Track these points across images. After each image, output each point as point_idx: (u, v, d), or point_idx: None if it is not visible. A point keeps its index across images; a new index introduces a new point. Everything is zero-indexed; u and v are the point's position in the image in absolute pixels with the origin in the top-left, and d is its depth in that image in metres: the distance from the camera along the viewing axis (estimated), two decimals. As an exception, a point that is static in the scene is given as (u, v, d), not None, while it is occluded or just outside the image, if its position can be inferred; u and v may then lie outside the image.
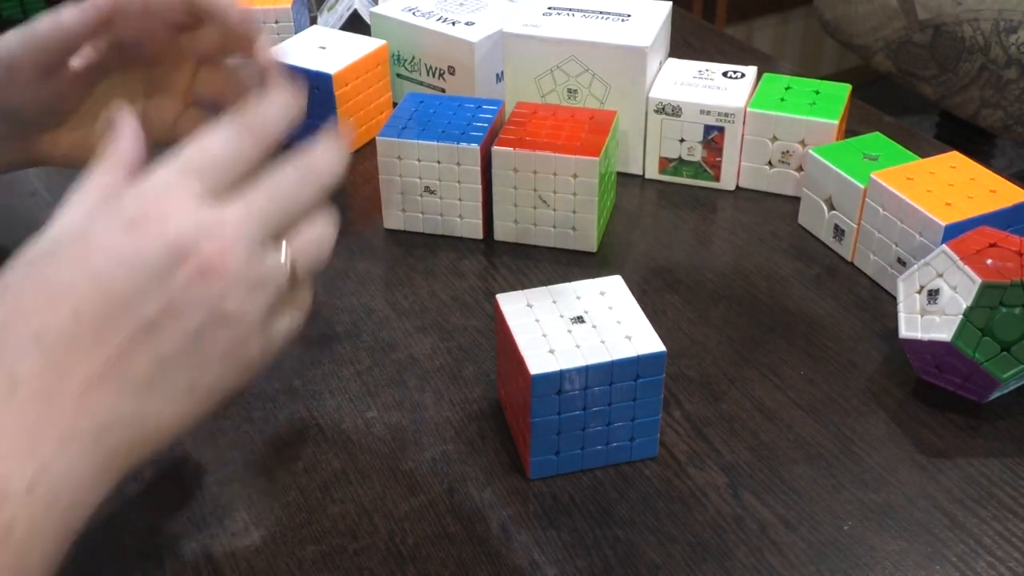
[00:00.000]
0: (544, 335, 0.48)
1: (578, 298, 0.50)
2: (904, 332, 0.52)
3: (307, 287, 0.44)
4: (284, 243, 0.42)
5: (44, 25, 0.53)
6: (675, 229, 0.68)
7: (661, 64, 0.73)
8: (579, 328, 0.48)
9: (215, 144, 0.41)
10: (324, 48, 0.74)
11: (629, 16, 0.71)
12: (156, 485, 0.48)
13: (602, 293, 0.50)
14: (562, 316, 0.49)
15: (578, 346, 0.47)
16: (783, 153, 0.69)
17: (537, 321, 0.49)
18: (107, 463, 0.38)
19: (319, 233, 0.43)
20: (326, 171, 0.44)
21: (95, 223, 0.40)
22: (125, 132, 0.44)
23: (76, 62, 0.56)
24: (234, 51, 0.57)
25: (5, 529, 0.35)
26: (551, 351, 0.47)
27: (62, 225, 0.41)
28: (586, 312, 0.49)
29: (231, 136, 0.42)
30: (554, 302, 0.50)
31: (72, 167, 0.54)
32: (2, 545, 0.35)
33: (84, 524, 0.38)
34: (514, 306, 0.50)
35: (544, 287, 0.51)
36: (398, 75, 0.79)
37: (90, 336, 0.37)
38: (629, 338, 0.47)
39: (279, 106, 0.44)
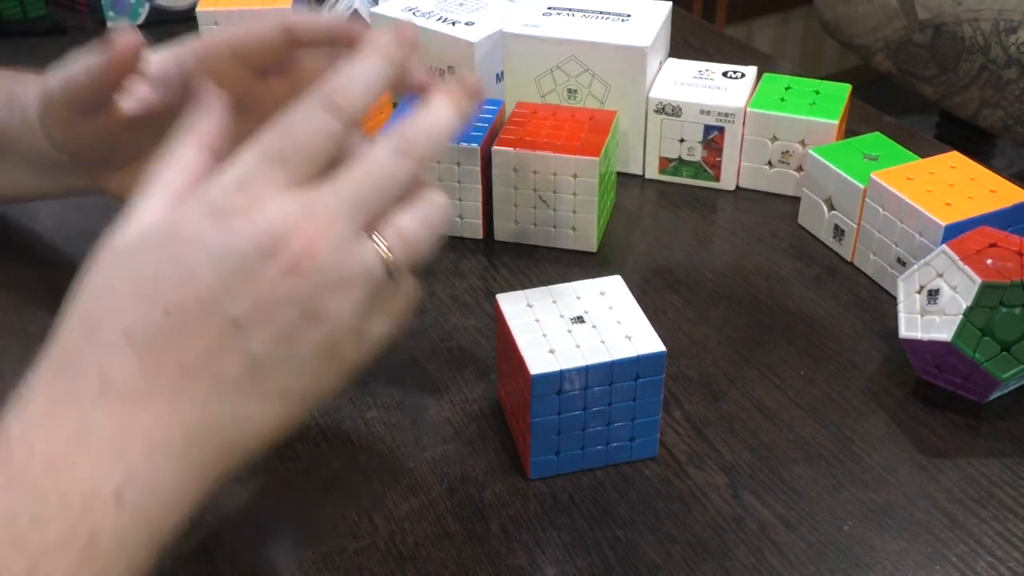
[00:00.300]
0: (544, 335, 0.48)
1: (578, 298, 0.50)
2: (904, 332, 0.52)
3: (410, 281, 0.40)
4: (381, 233, 0.38)
5: (76, 67, 0.49)
6: (675, 229, 0.68)
7: (661, 64, 0.73)
8: (579, 328, 0.48)
9: (299, 127, 0.38)
10: (324, 48, 0.74)
11: (629, 16, 0.71)
12: None
13: (602, 293, 0.50)
14: (562, 316, 0.49)
15: (578, 346, 0.47)
16: (783, 153, 0.69)
17: (537, 321, 0.49)
18: (197, 472, 0.37)
19: (423, 217, 0.40)
20: (429, 140, 0.40)
21: (181, 214, 0.38)
22: (210, 107, 0.42)
23: (129, 104, 0.51)
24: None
25: (90, 537, 0.34)
26: (551, 351, 0.47)
27: (147, 214, 0.38)
28: (586, 312, 0.49)
29: (312, 115, 0.38)
30: (554, 302, 0.50)
31: None
32: (87, 554, 0.34)
33: (173, 537, 0.36)
34: (514, 306, 0.50)
35: (544, 287, 0.51)
36: (398, 75, 0.79)
37: (179, 335, 0.36)
38: (629, 338, 0.47)
39: (361, 73, 0.40)
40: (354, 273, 0.37)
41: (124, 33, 0.45)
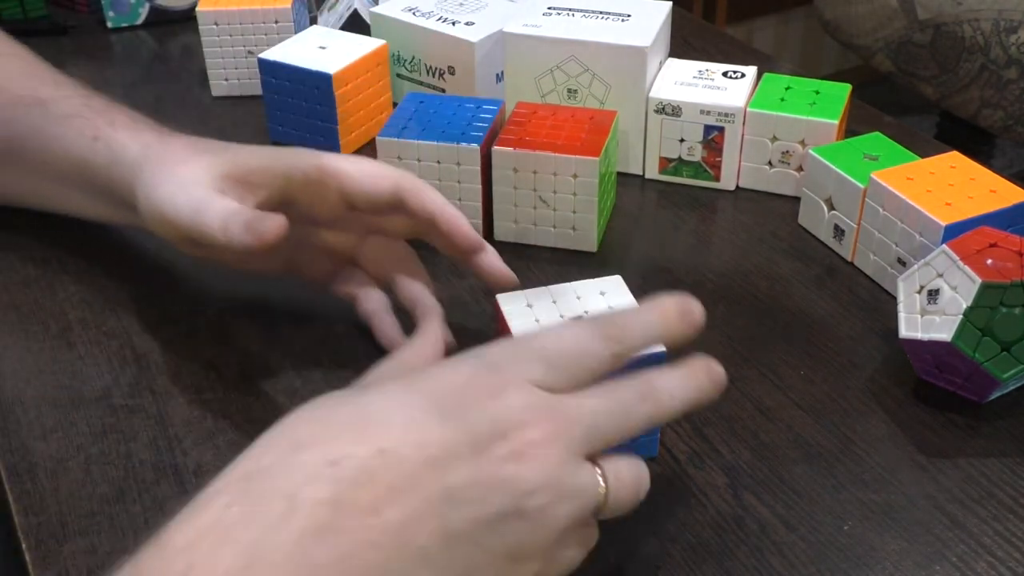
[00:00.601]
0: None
1: (578, 298, 0.50)
2: (904, 332, 0.52)
3: (595, 524, 0.40)
4: (601, 466, 0.38)
5: (212, 223, 0.49)
6: (675, 229, 0.68)
7: (661, 64, 0.73)
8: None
9: (570, 339, 0.39)
10: (324, 48, 0.74)
11: (629, 16, 0.71)
12: (156, 485, 0.48)
13: (602, 293, 0.50)
14: (562, 316, 0.49)
15: None
16: (783, 153, 0.69)
17: (537, 321, 0.49)
18: None
19: (638, 472, 0.40)
20: (670, 401, 0.40)
21: (425, 373, 0.38)
22: (427, 334, 0.47)
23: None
24: (429, 241, 0.54)
25: None
26: None
27: (382, 372, 0.42)
28: (586, 312, 0.49)
29: (588, 338, 0.39)
30: (554, 302, 0.50)
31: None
32: None
33: None
34: (514, 306, 0.50)
35: (544, 287, 0.51)
36: (398, 75, 0.79)
37: (386, 482, 0.34)
38: None
39: (642, 321, 0.41)
40: (573, 487, 0.37)
41: (275, 222, 0.47)
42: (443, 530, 0.35)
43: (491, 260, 0.53)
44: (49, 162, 0.59)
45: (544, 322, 0.49)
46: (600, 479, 0.38)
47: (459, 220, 0.51)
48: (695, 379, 0.42)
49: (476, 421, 0.36)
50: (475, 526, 0.35)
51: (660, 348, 0.47)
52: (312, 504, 0.33)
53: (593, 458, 0.38)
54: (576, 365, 0.39)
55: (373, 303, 0.56)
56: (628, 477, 0.39)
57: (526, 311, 0.49)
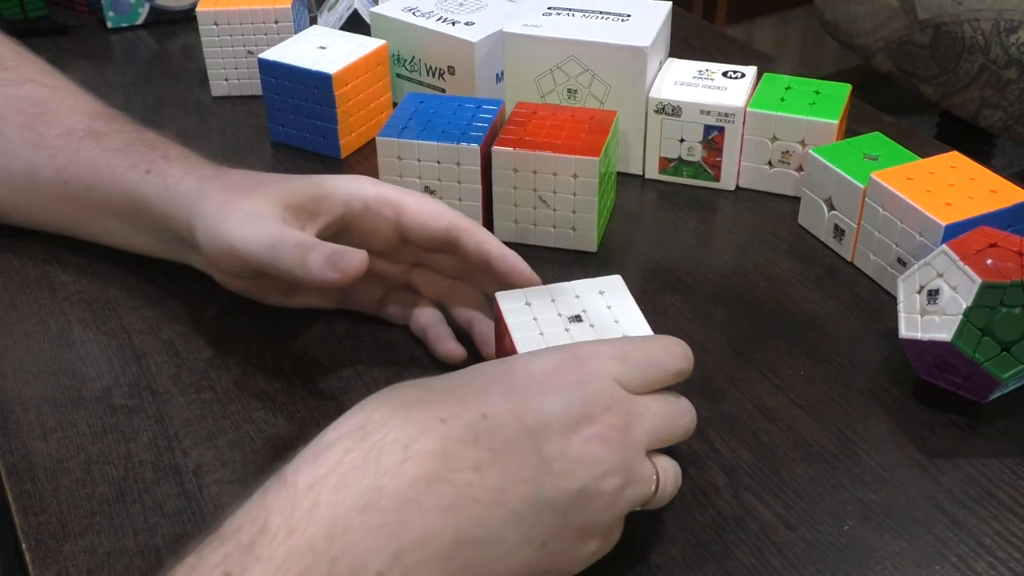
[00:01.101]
0: (541, 334, 0.48)
1: (577, 297, 0.50)
2: (904, 332, 0.52)
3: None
4: (654, 462, 0.42)
5: (287, 256, 0.50)
6: (675, 229, 0.68)
7: (661, 64, 0.73)
8: (576, 327, 0.48)
9: (647, 348, 0.43)
10: (324, 48, 0.74)
11: (629, 16, 0.71)
12: (156, 485, 0.49)
13: (601, 292, 0.50)
14: (560, 315, 0.49)
15: None
16: (783, 153, 0.69)
17: (535, 319, 0.49)
18: (430, 563, 0.36)
19: (677, 471, 0.44)
20: (695, 419, 0.45)
21: (518, 358, 0.42)
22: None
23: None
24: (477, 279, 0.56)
25: None
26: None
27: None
28: (584, 311, 0.49)
29: (661, 352, 0.43)
30: (553, 300, 0.50)
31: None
32: None
33: None
34: (513, 304, 0.50)
35: (544, 286, 0.51)
36: (398, 75, 0.79)
37: (488, 443, 0.38)
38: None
39: (688, 351, 0.45)
40: (639, 475, 0.41)
41: (357, 257, 0.48)
42: (534, 496, 0.38)
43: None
44: (101, 194, 0.59)
45: (541, 320, 0.49)
46: (655, 472, 0.42)
47: (516, 260, 0.52)
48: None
49: (569, 401, 0.40)
50: (561, 495, 0.39)
51: None
52: (424, 454, 0.37)
53: (648, 455, 0.42)
54: (649, 372, 0.43)
55: (427, 316, 0.57)
56: (672, 474, 0.43)
57: (524, 309, 0.49)
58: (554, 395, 0.40)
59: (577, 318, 0.49)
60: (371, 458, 0.36)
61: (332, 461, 0.36)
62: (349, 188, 0.53)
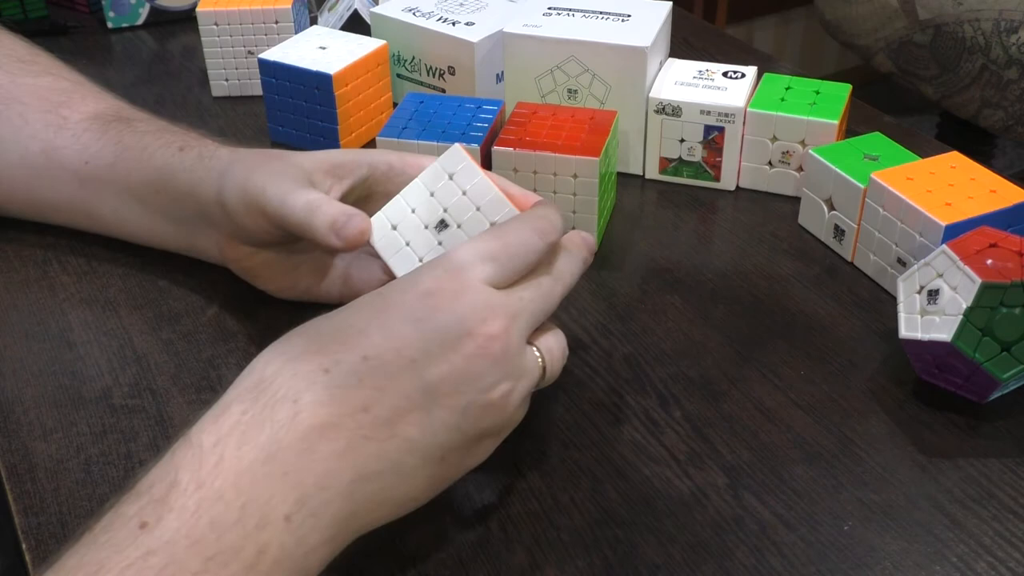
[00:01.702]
0: (421, 259, 0.49)
1: (432, 195, 0.49)
2: (904, 332, 0.52)
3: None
4: (536, 346, 0.45)
5: (296, 214, 0.51)
6: (675, 229, 0.68)
7: (661, 64, 0.73)
8: (446, 234, 0.48)
9: (511, 237, 0.44)
10: (324, 48, 0.74)
11: (629, 16, 0.71)
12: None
13: (451, 176, 0.49)
14: (426, 227, 0.49)
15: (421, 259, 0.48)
16: (783, 153, 0.69)
17: (407, 244, 0.49)
18: (348, 519, 0.39)
19: (561, 343, 0.46)
20: (571, 278, 0.47)
21: (392, 287, 0.43)
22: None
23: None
24: None
25: (257, 554, 0.36)
26: (407, 243, 0.49)
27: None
28: (446, 211, 0.49)
29: (529, 235, 0.45)
30: (413, 211, 0.50)
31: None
32: (254, 569, 0.36)
33: None
34: (381, 232, 0.50)
35: (399, 196, 0.50)
36: (398, 75, 0.79)
37: (372, 383, 0.40)
38: (495, 224, 0.48)
39: (557, 214, 0.46)
40: (524, 370, 0.43)
41: (358, 227, 0.49)
42: (425, 421, 0.40)
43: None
44: (123, 172, 0.59)
45: (412, 240, 0.49)
46: (538, 357, 0.44)
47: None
48: (582, 254, 0.49)
49: (445, 322, 0.41)
50: (451, 413, 0.41)
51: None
52: (313, 405, 0.39)
53: (530, 340, 0.44)
54: (520, 261, 0.44)
55: None
56: (556, 349, 0.46)
57: (392, 235, 0.49)
58: (430, 320, 0.41)
59: (442, 224, 0.49)
60: (266, 415, 0.38)
61: (232, 420, 0.38)
62: (373, 153, 0.55)
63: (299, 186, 0.51)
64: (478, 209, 0.48)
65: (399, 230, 0.49)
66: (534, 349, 0.44)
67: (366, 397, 0.39)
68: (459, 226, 0.48)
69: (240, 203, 0.53)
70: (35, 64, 0.66)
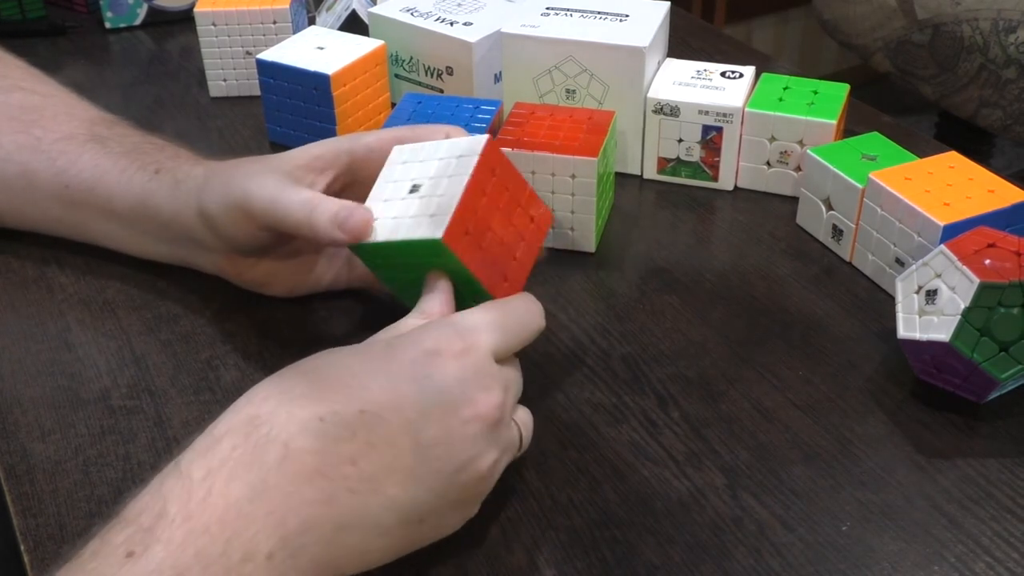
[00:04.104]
0: (386, 199, 0.49)
1: (441, 159, 0.49)
2: (902, 332, 0.52)
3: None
4: (515, 418, 0.46)
5: (292, 213, 0.51)
6: (673, 229, 0.68)
7: (659, 64, 0.73)
8: (411, 200, 0.48)
9: (522, 314, 0.46)
10: (322, 48, 0.74)
11: (627, 16, 0.71)
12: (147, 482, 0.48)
13: (460, 157, 0.49)
14: (412, 180, 0.49)
15: (395, 217, 0.48)
16: (781, 153, 0.69)
17: (395, 182, 0.50)
18: (328, 564, 0.40)
19: (528, 417, 0.47)
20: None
21: (406, 338, 0.43)
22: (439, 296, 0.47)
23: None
24: None
25: None
26: (377, 218, 0.49)
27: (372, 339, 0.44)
28: (430, 179, 0.48)
29: (534, 317, 0.46)
30: (422, 161, 0.50)
31: (257, 290, 0.58)
32: None
33: None
34: (398, 156, 0.51)
35: (431, 143, 0.51)
36: (396, 75, 0.79)
37: (365, 437, 0.40)
38: (432, 217, 0.47)
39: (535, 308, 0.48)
40: (508, 443, 0.44)
41: (361, 218, 0.49)
42: (410, 482, 0.41)
43: None
44: (104, 196, 0.59)
45: (397, 182, 0.49)
46: (518, 431, 0.45)
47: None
48: (539, 320, 0.48)
49: (446, 385, 0.41)
50: (438, 478, 0.41)
51: (437, 236, 0.47)
52: (302, 452, 0.39)
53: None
54: (519, 337, 0.46)
55: None
56: (528, 423, 0.47)
57: (398, 168, 0.50)
58: (432, 380, 0.41)
59: (417, 187, 0.48)
60: (256, 455, 0.38)
61: (222, 455, 0.38)
62: (350, 139, 0.54)
63: (286, 185, 0.51)
64: (441, 196, 0.47)
65: (406, 167, 0.49)
66: (515, 425, 0.45)
67: (356, 451, 0.39)
68: (421, 198, 0.48)
69: (224, 214, 0.53)
70: (5, 79, 0.65)
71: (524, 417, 0.46)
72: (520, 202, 0.49)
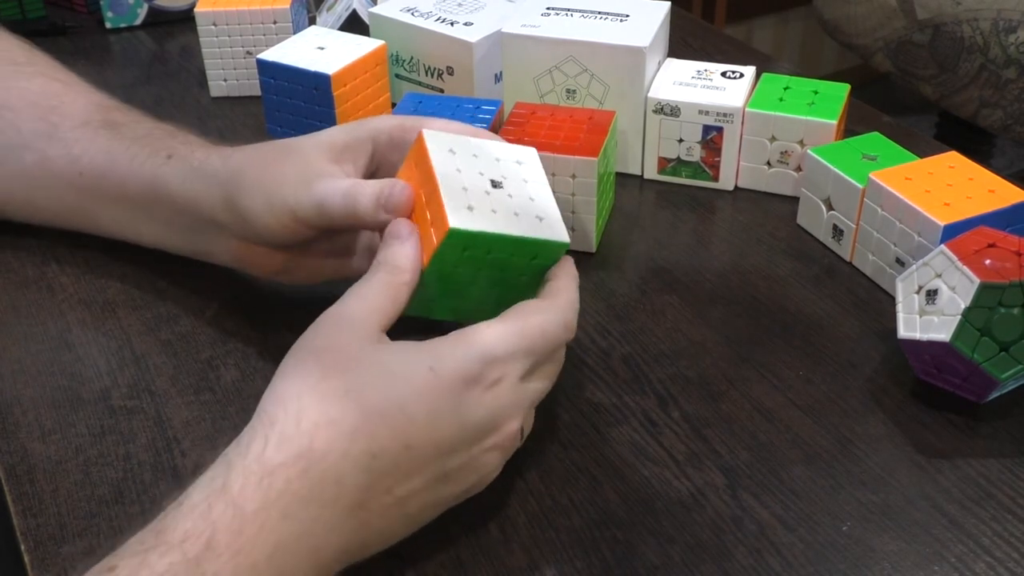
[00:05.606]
0: (464, 188, 0.47)
1: (497, 160, 0.49)
2: (903, 332, 0.52)
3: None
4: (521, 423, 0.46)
5: (334, 197, 0.50)
6: (674, 229, 0.68)
7: (660, 64, 0.73)
8: (496, 193, 0.47)
9: (551, 331, 0.45)
10: (323, 48, 0.74)
11: (627, 16, 0.71)
12: (154, 486, 0.48)
13: (519, 163, 0.50)
14: (482, 174, 0.48)
15: (494, 211, 0.46)
16: (782, 153, 0.69)
17: (459, 171, 0.47)
18: (337, 566, 0.42)
19: (532, 417, 0.47)
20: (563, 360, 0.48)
21: (444, 364, 0.42)
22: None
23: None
24: None
25: None
26: (470, 207, 0.46)
27: (408, 348, 0.43)
28: (504, 178, 0.48)
29: (561, 332, 0.46)
30: (475, 156, 0.49)
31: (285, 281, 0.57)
32: None
33: None
34: (438, 145, 0.48)
35: (466, 138, 0.49)
36: (397, 75, 0.79)
37: (406, 469, 0.41)
38: (540, 219, 0.47)
39: (577, 302, 0.48)
40: (514, 447, 0.46)
41: (402, 194, 0.48)
42: (430, 499, 0.43)
43: None
44: (117, 182, 0.59)
45: (464, 173, 0.47)
46: (521, 434, 0.46)
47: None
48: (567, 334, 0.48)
49: (480, 420, 0.43)
50: (452, 495, 0.44)
51: (565, 239, 0.48)
52: (354, 489, 0.40)
53: None
54: (547, 355, 0.46)
55: None
56: (531, 421, 0.47)
57: (449, 157, 0.48)
58: (469, 416, 0.42)
59: (498, 184, 0.48)
60: (314, 492, 0.39)
61: (278, 488, 0.39)
62: (372, 124, 0.54)
63: (325, 180, 0.50)
64: (532, 200, 0.48)
65: (456, 156, 0.48)
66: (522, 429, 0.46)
67: (394, 482, 0.41)
68: (510, 196, 0.47)
69: (269, 216, 0.52)
70: (29, 65, 0.65)
71: (529, 419, 0.47)
72: None
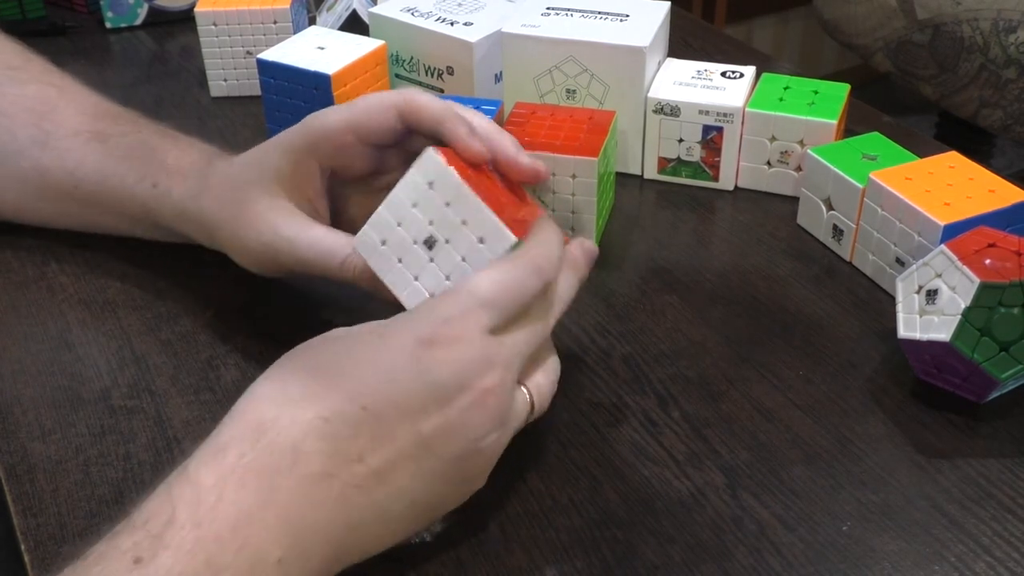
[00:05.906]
0: (416, 277, 0.47)
1: (414, 206, 0.46)
2: (903, 332, 0.52)
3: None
4: (527, 386, 0.45)
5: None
6: (674, 229, 0.68)
7: (660, 64, 0.73)
8: (439, 254, 0.46)
9: (510, 281, 0.44)
10: (323, 48, 0.74)
11: (628, 16, 0.71)
12: (154, 486, 0.48)
13: (430, 185, 0.46)
14: (415, 242, 0.47)
15: (448, 277, 0.46)
16: (782, 153, 0.69)
17: (399, 261, 0.47)
18: (335, 561, 0.40)
19: (551, 377, 0.47)
20: (568, 300, 0.47)
21: (394, 330, 0.43)
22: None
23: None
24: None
25: None
26: (418, 280, 0.47)
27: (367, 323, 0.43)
28: (431, 224, 0.46)
29: (525, 276, 0.44)
30: (399, 225, 0.47)
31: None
32: None
33: None
34: (372, 252, 0.48)
35: (380, 209, 0.47)
36: (397, 75, 0.79)
37: (369, 433, 0.40)
38: (482, 241, 0.45)
39: (557, 245, 0.46)
40: (514, 414, 0.44)
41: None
42: (417, 472, 0.41)
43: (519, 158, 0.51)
44: (114, 200, 0.60)
45: (404, 258, 0.47)
46: (528, 396, 0.45)
47: (459, 110, 0.50)
48: (580, 273, 0.49)
49: (442, 377, 0.41)
50: (441, 463, 0.42)
51: (512, 240, 0.45)
52: (310, 455, 0.39)
53: (520, 379, 0.45)
54: (517, 305, 0.44)
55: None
56: (546, 385, 0.46)
57: (384, 252, 0.47)
58: (428, 373, 0.41)
59: (430, 240, 0.46)
60: (265, 461, 0.39)
61: (231, 462, 0.38)
62: (310, 141, 0.52)
63: (296, 225, 0.52)
64: (464, 223, 0.46)
65: (388, 246, 0.47)
66: (523, 390, 0.45)
67: (361, 448, 0.40)
68: (447, 241, 0.46)
69: (249, 258, 0.54)
70: (23, 70, 0.65)
71: (539, 380, 0.46)
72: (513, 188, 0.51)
